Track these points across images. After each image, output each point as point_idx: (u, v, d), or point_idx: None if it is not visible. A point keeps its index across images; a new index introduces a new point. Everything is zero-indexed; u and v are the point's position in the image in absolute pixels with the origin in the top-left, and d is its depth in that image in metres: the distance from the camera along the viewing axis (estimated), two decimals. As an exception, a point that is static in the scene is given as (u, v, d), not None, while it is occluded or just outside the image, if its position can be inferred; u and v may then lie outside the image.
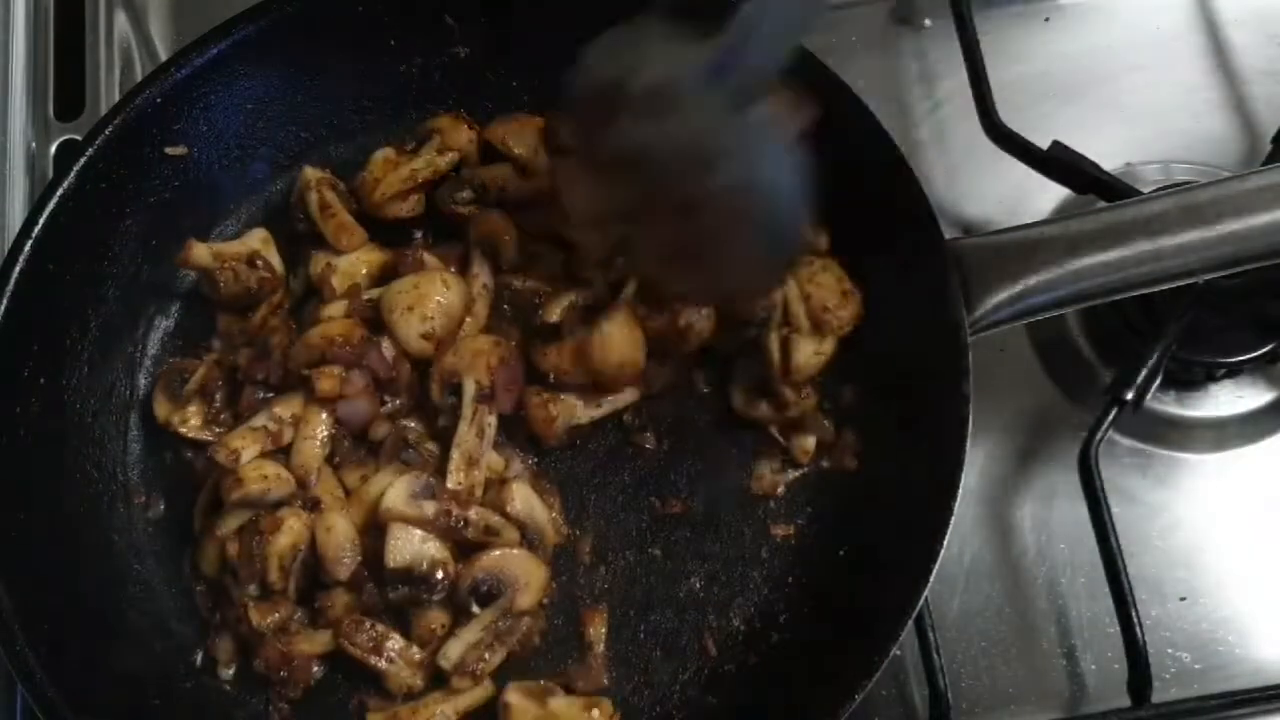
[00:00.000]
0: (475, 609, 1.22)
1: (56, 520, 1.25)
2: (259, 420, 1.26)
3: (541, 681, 1.24)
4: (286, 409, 1.26)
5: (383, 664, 1.22)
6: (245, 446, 1.23)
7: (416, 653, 1.22)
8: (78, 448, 1.29)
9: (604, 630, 1.26)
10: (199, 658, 1.27)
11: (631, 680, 1.26)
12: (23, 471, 1.23)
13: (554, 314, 1.28)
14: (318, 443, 1.26)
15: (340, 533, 1.22)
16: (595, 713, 1.21)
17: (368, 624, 1.22)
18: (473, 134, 1.39)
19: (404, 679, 1.22)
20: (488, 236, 1.34)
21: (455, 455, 1.24)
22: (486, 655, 1.22)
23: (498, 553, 1.23)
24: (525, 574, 1.23)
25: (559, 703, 1.22)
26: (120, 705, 1.20)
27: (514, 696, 1.21)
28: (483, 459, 1.26)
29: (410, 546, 1.20)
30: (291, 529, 1.22)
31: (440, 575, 1.20)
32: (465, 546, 1.23)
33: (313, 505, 1.24)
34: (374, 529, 1.23)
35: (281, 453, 1.26)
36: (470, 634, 1.22)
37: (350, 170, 1.39)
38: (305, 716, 1.25)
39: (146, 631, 1.27)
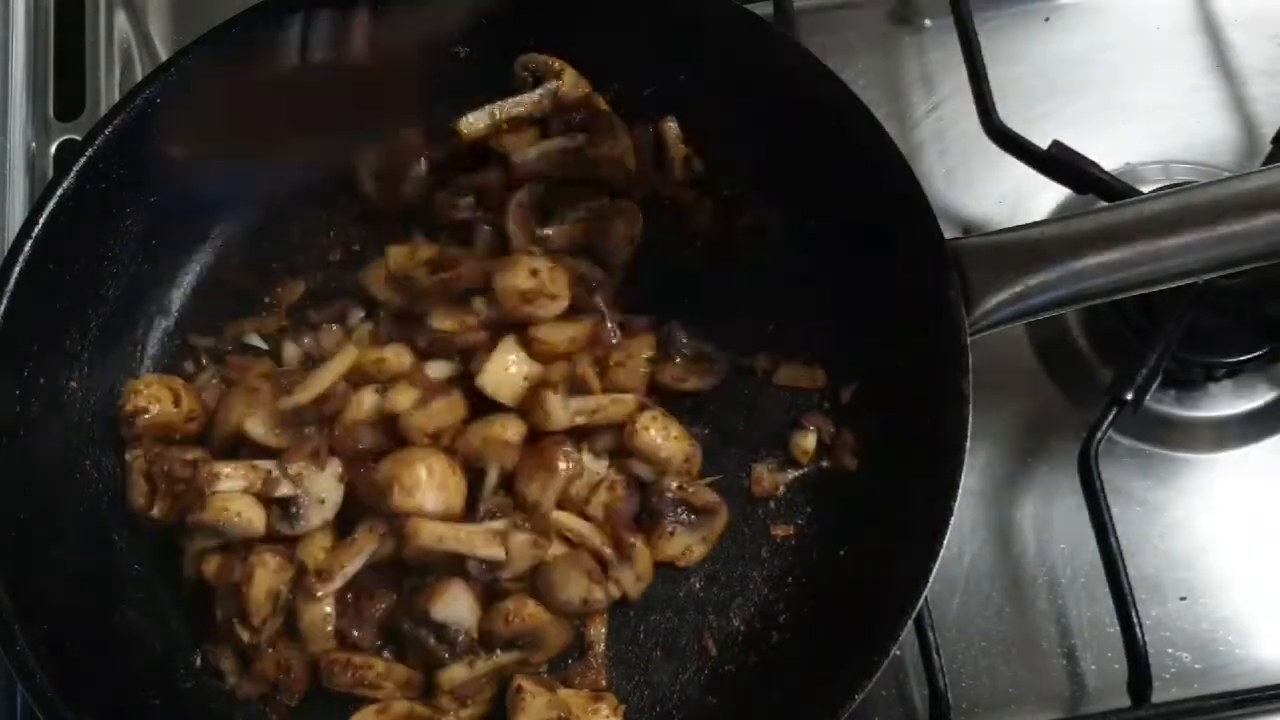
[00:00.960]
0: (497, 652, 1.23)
1: (56, 520, 1.25)
2: (265, 461, 1.23)
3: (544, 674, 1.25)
4: (295, 468, 1.23)
5: (370, 692, 1.22)
6: (228, 475, 1.22)
7: (403, 671, 1.22)
8: (78, 448, 1.29)
9: (604, 630, 1.26)
10: (199, 658, 1.26)
11: (631, 680, 1.26)
12: (23, 471, 1.23)
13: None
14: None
15: (319, 615, 1.21)
16: (603, 707, 1.21)
17: (344, 659, 1.21)
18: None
19: (394, 697, 1.22)
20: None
21: None
22: (485, 689, 1.22)
23: (536, 611, 1.22)
24: (554, 639, 1.23)
25: (567, 693, 1.22)
26: (121, 705, 1.20)
27: (525, 682, 1.21)
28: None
29: (458, 608, 1.20)
30: (267, 574, 1.21)
31: (463, 639, 1.20)
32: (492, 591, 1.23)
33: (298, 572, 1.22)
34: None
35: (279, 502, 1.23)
36: (482, 668, 1.22)
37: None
38: (305, 716, 1.25)
39: (146, 631, 1.26)
